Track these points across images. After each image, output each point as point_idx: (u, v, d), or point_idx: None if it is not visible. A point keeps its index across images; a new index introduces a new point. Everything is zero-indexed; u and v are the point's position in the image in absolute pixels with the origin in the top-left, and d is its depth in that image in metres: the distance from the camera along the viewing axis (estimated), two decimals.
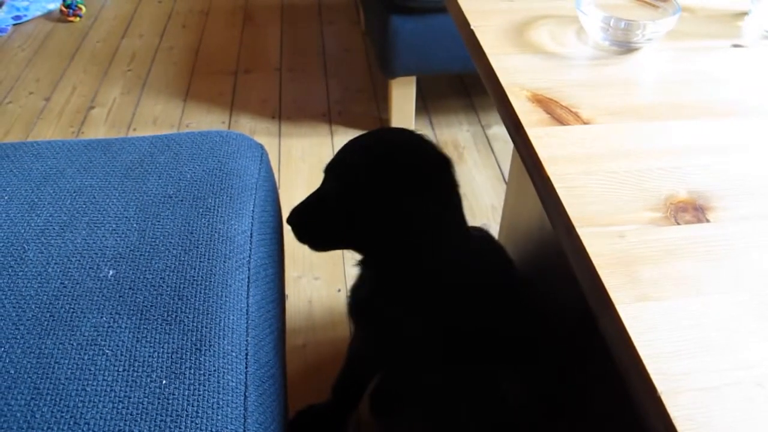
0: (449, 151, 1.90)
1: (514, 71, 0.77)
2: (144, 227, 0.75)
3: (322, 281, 1.46)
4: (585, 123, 0.69)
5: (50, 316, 0.66)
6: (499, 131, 1.98)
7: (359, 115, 2.04)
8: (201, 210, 0.78)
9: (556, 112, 0.70)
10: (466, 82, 2.21)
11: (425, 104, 2.09)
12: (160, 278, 0.70)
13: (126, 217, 0.77)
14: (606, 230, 0.57)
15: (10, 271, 0.71)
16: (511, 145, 1.89)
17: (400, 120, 1.92)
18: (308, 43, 2.47)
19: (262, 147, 0.92)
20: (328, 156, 1.20)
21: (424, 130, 1.98)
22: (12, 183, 0.83)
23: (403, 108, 1.90)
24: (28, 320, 0.66)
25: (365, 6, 2.17)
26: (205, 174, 0.83)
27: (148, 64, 2.33)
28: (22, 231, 0.76)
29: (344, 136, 1.92)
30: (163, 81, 2.24)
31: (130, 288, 0.69)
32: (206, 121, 2.03)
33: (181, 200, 0.79)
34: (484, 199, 1.73)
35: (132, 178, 0.83)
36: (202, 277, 0.70)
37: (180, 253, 0.72)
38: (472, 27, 0.86)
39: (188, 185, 0.81)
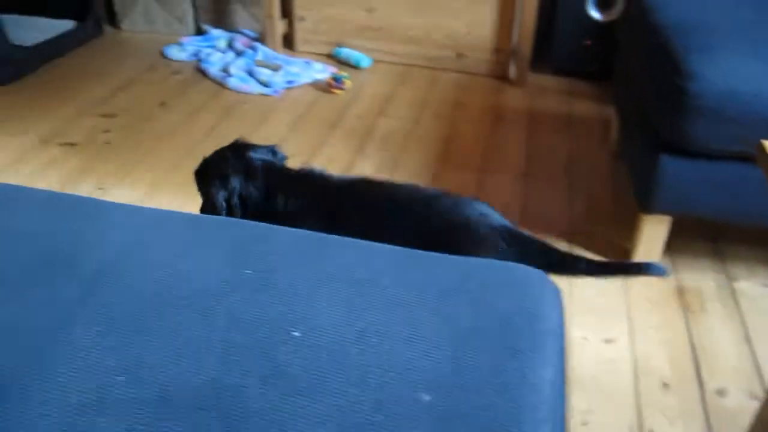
0: (690, 298, 1.83)
1: None
2: (456, 356, 0.79)
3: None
4: None
5: (373, 429, 0.70)
6: (746, 286, 1.88)
7: (600, 240, 2.02)
8: (510, 350, 0.80)
9: None
10: (715, 224, 2.12)
11: (667, 239, 2.03)
12: (472, 415, 0.72)
13: (439, 342, 0.81)
14: None
15: (334, 373, 0.77)
16: (761, 304, 1.79)
17: (645, 254, 1.88)
18: (554, 153, 2.50)
19: (559, 291, 0.94)
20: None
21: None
22: (333, 282, 0.90)
23: (651, 244, 1.86)
24: (351, 429, 0.71)
25: (624, 133, 2.16)
26: (512, 312, 0.86)
27: (400, 147, 2.47)
28: (344, 334, 0.82)
29: None
30: (413, 166, 2.36)
31: (443, 418, 0.72)
32: None
33: (490, 335, 0.82)
34: (725, 360, 1.63)
35: (442, 300, 0.87)
36: (512, 423, 0.72)
37: (491, 394, 0.75)
38: None
39: (496, 321, 0.84)
